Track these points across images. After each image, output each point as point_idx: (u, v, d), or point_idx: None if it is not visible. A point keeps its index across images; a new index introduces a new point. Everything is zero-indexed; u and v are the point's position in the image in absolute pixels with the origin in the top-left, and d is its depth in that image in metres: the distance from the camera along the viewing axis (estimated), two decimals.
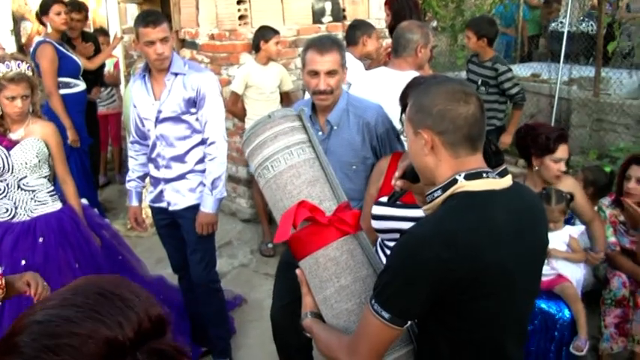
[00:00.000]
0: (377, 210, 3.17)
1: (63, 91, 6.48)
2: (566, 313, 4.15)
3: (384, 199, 3.02)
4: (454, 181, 2.01)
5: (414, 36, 4.30)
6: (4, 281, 2.68)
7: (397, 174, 2.41)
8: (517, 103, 6.43)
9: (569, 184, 4.34)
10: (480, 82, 6.33)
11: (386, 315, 1.94)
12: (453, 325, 2.03)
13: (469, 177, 2.00)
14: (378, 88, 4.08)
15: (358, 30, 5.71)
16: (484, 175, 2.02)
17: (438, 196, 2.04)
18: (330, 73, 3.57)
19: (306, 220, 2.23)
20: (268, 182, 2.32)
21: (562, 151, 4.25)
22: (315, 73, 3.59)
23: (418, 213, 2.65)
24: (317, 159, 2.36)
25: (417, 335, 2.19)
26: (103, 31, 8.59)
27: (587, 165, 6.60)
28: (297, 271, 2.35)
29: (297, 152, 2.31)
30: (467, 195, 2.00)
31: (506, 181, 2.07)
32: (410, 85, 3.09)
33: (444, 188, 2.03)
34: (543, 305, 4.17)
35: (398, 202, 2.73)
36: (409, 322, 2.01)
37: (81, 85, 6.77)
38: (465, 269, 1.89)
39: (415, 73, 4.32)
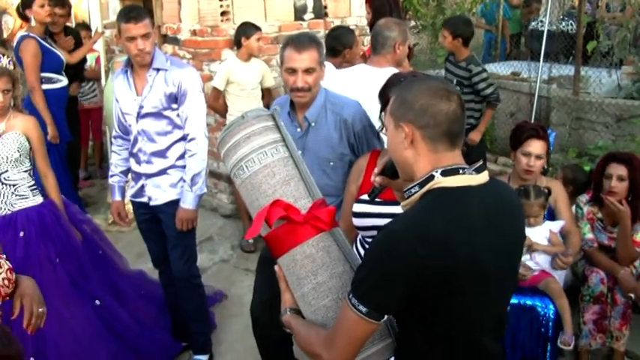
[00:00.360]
0: (357, 208, 3.19)
1: (45, 87, 6.45)
2: (551, 308, 4.20)
3: (365, 196, 3.02)
4: (431, 177, 2.04)
5: (392, 33, 4.33)
6: (14, 276, 2.64)
7: (376, 170, 2.43)
8: (490, 103, 6.45)
9: (557, 190, 4.40)
10: (455, 82, 6.35)
11: (363, 309, 1.97)
12: (428, 319, 2.06)
13: (446, 173, 2.03)
14: (357, 85, 4.10)
15: (339, 43, 5.67)
16: (460, 171, 2.05)
17: (415, 192, 2.07)
18: (308, 70, 3.59)
19: (281, 219, 2.26)
20: (244, 182, 2.35)
21: (533, 146, 4.31)
22: (292, 71, 3.61)
23: (398, 209, 2.68)
24: (291, 157, 2.39)
25: (396, 331, 2.22)
26: (85, 26, 8.54)
27: (567, 163, 6.67)
28: (276, 267, 2.37)
29: (271, 152, 2.34)
30: (443, 191, 2.02)
31: (483, 177, 2.10)
32: (390, 82, 3.11)
33: (421, 184, 2.06)
34: (528, 301, 4.21)
35: (378, 199, 2.74)
36: (386, 317, 2.03)
37: (63, 81, 6.73)
38: (440, 265, 1.92)
39: (394, 70, 4.34)
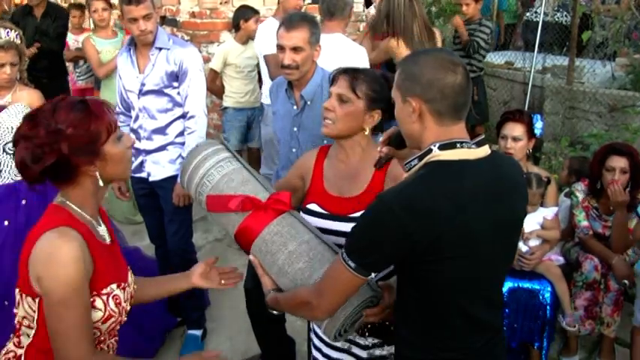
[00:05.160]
0: (307, 220, 3.01)
1: None
2: (549, 291, 4.25)
3: (314, 206, 2.94)
4: (429, 151, 2.08)
5: None
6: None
7: (382, 139, 2.50)
8: (474, 43, 7.03)
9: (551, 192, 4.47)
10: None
11: (352, 264, 2.08)
12: (419, 287, 2.13)
13: (443, 147, 2.07)
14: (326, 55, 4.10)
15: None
16: (458, 145, 2.08)
17: (414, 165, 2.12)
18: (296, 49, 3.62)
19: (246, 210, 2.56)
20: (209, 191, 2.65)
21: (508, 128, 4.37)
22: (281, 48, 3.67)
23: (347, 227, 2.71)
24: (243, 167, 2.72)
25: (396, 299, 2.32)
26: (79, 6, 8.46)
27: (559, 152, 6.73)
28: (250, 257, 2.58)
29: (226, 165, 2.68)
30: (439, 164, 2.07)
31: (483, 151, 2.13)
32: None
33: (420, 157, 2.11)
34: (527, 285, 4.25)
35: (330, 214, 2.83)
36: (372, 275, 2.16)
37: None
38: (423, 234, 1.98)
39: (343, 37, 4.39)
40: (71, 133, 2.10)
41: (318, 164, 3.04)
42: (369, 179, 2.84)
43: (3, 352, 2.32)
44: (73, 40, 8.01)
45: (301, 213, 2.94)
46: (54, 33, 7.10)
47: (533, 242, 4.31)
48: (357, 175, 2.87)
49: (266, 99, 5.58)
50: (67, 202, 2.23)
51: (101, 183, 2.23)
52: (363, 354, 2.91)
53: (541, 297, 4.25)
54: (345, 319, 2.38)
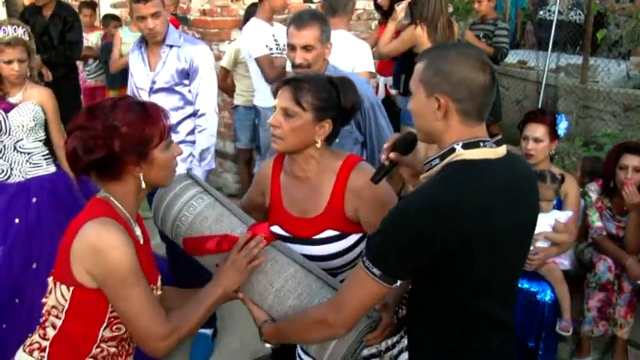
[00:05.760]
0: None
1: None
2: (549, 294, 4.20)
3: (276, 228, 2.78)
4: (452, 150, 2.05)
5: None
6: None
7: (386, 145, 2.41)
8: (499, 52, 6.94)
9: (570, 184, 4.40)
10: (481, 35, 6.92)
11: (377, 272, 2.00)
12: (438, 288, 2.08)
13: (467, 146, 2.04)
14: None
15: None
16: (481, 144, 2.05)
17: (436, 164, 2.09)
18: (306, 47, 3.61)
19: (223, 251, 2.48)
20: (185, 234, 2.59)
21: (530, 129, 4.29)
22: (292, 47, 3.64)
23: (311, 250, 2.70)
24: (216, 201, 2.62)
25: (409, 300, 2.28)
26: (90, 4, 8.46)
27: (573, 151, 6.68)
28: (239, 295, 2.46)
29: (197, 202, 2.59)
30: (463, 163, 2.03)
31: (502, 151, 2.11)
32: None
33: (442, 157, 2.07)
34: (526, 285, 4.21)
35: (289, 236, 2.74)
36: (398, 282, 2.05)
37: None
38: (448, 235, 1.94)
39: (346, 33, 4.35)
40: (125, 132, 2.17)
41: (275, 178, 2.88)
42: (328, 196, 2.69)
43: (27, 342, 2.35)
44: (83, 38, 8.01)
45: None
46: (60, 35, 6.94)
47: (541, 244, 4.25)
48: (316, 191, 2.72)
49: (261, 102, 5.55)
50: (110, 198, 2.28)
51: (143, 185, 2.28)
52: None
53: (539, 298, 4.20)
54: (345, 353, 2.31)
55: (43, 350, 2.29)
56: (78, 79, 7.66)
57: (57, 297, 2.24)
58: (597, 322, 4.40)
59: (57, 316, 2.26)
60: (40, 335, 2.32)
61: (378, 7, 6.99)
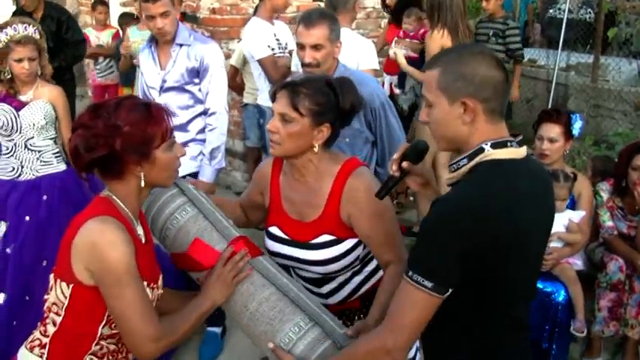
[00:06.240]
0: (271, 246, 2.87)
1: None
2: (562, 294, 4.19)
3: (275, 229, 2.82)
4: (480, 150, 2.04)
5: None
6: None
7: (396, 156, 2.38)
8: (517, 59, 6.98)
9: (583, 183, 4.39)
10: (491, 34, 6.90)
11: (428, 284, 1.96)
12: (466, 289, 2.04)
13: (495, 146, 2.04)
14: None
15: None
16: (508, 144, 2.06)
17: (463, 165, 2.07)
18: (316, 47, 3.60)
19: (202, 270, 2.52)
20: (170, 248, 2.62)
21: (544, 129, 4.26)
22: (301, 47, 3.64)
23: (307, 254, 2.71)
24: (199, 214, 2.60)
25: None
26: (104, 2, 8.47)
27: (583, 151, 6.66)
28: (269, 344, 2.38)
29: (181, 215, 2.59)
30: (493, 163, 2.03)
31: (524, 151, 2.11)
32: None
33: (470, 157, 2.06)
34: (539, 285, 4.17)
35: (287, 239, 2.76)
36: (449, 291, 2.00)
37: None
38: (496, 236, 1.94)
39: (350, 31, 4.34)
40: (127, 132, 2.18)
41: (275, 179, 2.87)
42: (325, 201, 2.68)
43: (29, 339, 2.37)
44: (94, 36, 8.03)
45: (267, 241, 2.86)
46: (56, 37, 6.80)
47: (555, 244, 4.23)
48: (314, 196, 2.71)
49: (265, 101, 5.50)
50: (112, 196, 2.30)
51: (143, 184, 2.29)
52: None
53: (553, 299, 4.18)
54: None
55: (44, 347, 2.31)
56: (74, 78, 7.61)
57: (57, 294, 2.26)
58: (608, 322, 4.36)
59: (57, 313, 2.28)
60: (40, 332, 2.34)
61: (385, 6, 6.97)
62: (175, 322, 2.32)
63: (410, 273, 1.99)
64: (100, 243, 2.14)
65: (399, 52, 5.99)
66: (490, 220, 1.93)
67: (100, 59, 8.15)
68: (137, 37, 6.95)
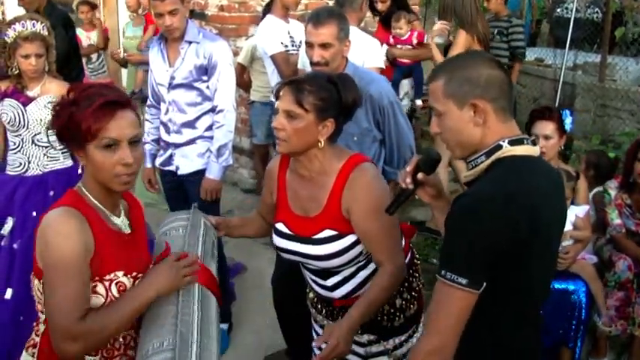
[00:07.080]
0: (280, 242, 2.92)
1: None
2: (583, 291, 4.18)
3: (281, 226, 2.87)
4: (498, 147, 2.06)
5: None
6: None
7: (409, 169, 2.39)
8: (519, 56, 6.96)
9: (579, 180, 4.39)
10: (495, 32, 6.82)
11: (463, 281, 1.96)
12: (497, 290, 2.04)
13: (513, 142, 2.06)
14: None
15: None
16: (525, 141, 2.08)
17: (481, 162, 2.09)
18: (324, 45, 3.61)
19: None
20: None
21: (537, 127, 4.22)
22: (310, 45, 3.65)
23: (310, 249, 2.73)
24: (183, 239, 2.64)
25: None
26: (87, 2, 8.33)
27: (590, 149, 6.64)
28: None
29: (171, 232, 2.71)
30: (513, 159, 2.05)
31: (538, 149, 2.14)
32: None
33: (488, 154, 2.07)
34: (562, 285, 4.17)
35: (292, 234, 2.79)
36: (484, 285, 2.00)
37: None
38: (524, 229, 1.95)
39: (357, 30, 4.34)
40: (72, 112, 2.19)
41: (282, 176, 2.92)
42: (327, 196, 2.72)
43: (28, 340, 2.38)
44: (85, 36, 8.05)
45: (275, 238, 2.90)
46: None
47: (567, 242, 4.24)
48: (317, 191, 2.75)
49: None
50: (82, 188, 2.31)
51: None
52: (361, 351, 2.94)
53: (576, 297, 4.17)
54: None
55: (35, 346, 2.31)
56: (81, 75, 7.59)
57: (35, 291, 2.26)
58: (615, 321, 4.36)
59: (42, 311, 2.27)
60: (35, 332, 2.35)
61: (374, 10, 6.92)
62: (105, 319, 2.16)
63: (443, 272, 2.00)
64: (47, 232, 2.13)
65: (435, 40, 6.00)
66: (513, 217, 1.94)
67: (93, 58, 8.17)
68: (132, 33, 6.97)
